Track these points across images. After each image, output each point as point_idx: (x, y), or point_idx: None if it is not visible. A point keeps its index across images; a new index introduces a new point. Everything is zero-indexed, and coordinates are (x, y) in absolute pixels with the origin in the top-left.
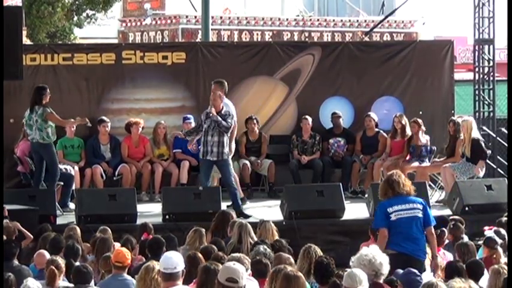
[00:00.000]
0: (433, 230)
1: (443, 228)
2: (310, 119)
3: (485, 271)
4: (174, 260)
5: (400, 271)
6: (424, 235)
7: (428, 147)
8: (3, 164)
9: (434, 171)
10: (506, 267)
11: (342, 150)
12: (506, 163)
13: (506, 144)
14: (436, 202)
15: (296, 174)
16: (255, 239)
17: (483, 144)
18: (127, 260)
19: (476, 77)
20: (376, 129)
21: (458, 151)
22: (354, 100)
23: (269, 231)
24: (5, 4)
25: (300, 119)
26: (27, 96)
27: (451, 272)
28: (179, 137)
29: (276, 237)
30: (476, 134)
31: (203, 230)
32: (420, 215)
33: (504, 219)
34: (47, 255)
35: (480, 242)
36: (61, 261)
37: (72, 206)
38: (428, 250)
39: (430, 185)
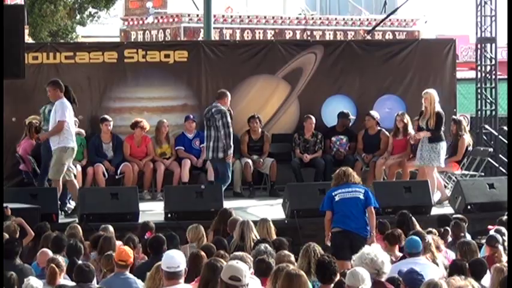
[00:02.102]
0: (373, 209)
1: (447, 227)
2: (313, 118)
3: (488, 270)
4: (176, 259)
5: (404, 270)
6: (365, 215)
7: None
8: (3, 162)
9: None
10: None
11: (344, 148)
12: (507, 161)
13: (508, 143)
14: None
15: (298, 172)
16: (257, 236)
17: (443, 120)
18: (130, 259)
19: (479, 76)
20: (378, 128)
21: (462, 151)
22: (355, 98)
23: (267, 230)
24: (7, 3)
25: (302, 117)
26: (29, 95)
27: (454, 270)
28: None
29: (274, 236)
30: (438, 107)
31: (201, 226)
32: (362, 196)
33: (505, 217)
34: (50, 254)
35: (483, 241)
36: (61, 259)
37: (70, 205)
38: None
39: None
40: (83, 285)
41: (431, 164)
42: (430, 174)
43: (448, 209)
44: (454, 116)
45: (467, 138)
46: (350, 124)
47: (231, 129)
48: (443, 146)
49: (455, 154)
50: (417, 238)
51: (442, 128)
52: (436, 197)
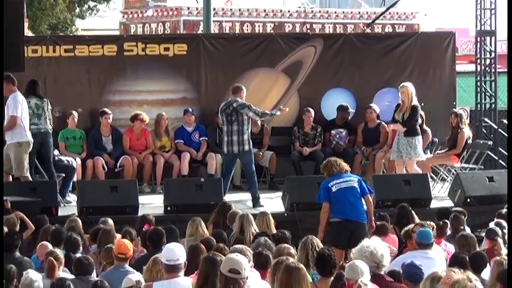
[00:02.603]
0: (370, 198)
1: (446, 220)
2: (312, 111)
3: (488, 263)
4: (176, 251)
5: (405, 262)
6: (362, 202)
7: (431, 139)
8: (3, 158)
9: (436, 162)
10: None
11: (343, 141)
12: (507, 154)
13: (507, 136)
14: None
15: (298, 166)
16: (257, 229)
17: (418, 113)
18: (129, 252)
19: (478, 69)
20: (378, 121)
21: (461, 143)
22: (355, 92)
23: (267, 223)
24: None
25: (301, 110)
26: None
27: (455, 263)
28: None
29: (274, 229)
30: (415, 101)
31: (199, 218)
32: (356, 185)
33: (504, 210)
34: (50, 247)
35: (483, 234)
36: (60, 252)
37: (69, 197)
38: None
39: (431, 177)
40: (82, 278)
41: (409, 158)
42: (411, 167)
43: (447, 202)
44: (454, 109)
45: (467, 132)
46: (349, 117)
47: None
48: (419, 139)
49: (455, 147)
50: (429, 229)
51: (419, 121)
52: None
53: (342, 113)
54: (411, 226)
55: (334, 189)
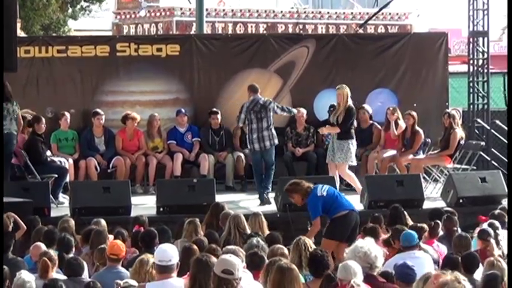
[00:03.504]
0: None
1: (437, 221)
2: (304, 112)
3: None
4: (169, 252)
5: (397, 263)
6: None
7: (423, 140)
8: (3, 159)
9: (428, 163)
10: (501, 260)
11: None
12: (500, 155)
13: (500, 137)
14: None
15: (290, 166)
16: (247, 230)
17: (353, 116)
18: (122, 253)
19: (471, 69)
20: (371, 122)
21: (454, 143)
22: None
23: (259, 224)
24: None
25: None
26: (20, 89)
27: (447, 264)
28: None
29: (266, 230)
30: (350, 103)
31: (197, 220)
32: None
33: (497, 211)
34: (43, 248)
35: (475, 235)
36: (54, 253)
37: (62, 198)
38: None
39: (424, 177)
40: (74, 279)
41: (340, 161)
42: (343, 171)
43: (440, 203)
44: (447, 110)
45: (460, 132)
46: None
47: None
48: (352, 142)
49: (448, 148)
50: (412, 232)
51: (355, 125)
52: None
53: (332, 111)
54: (388, 235)
55: (324, 193)
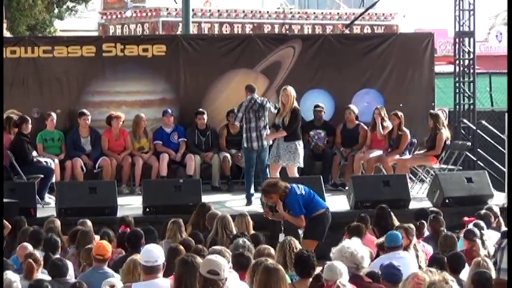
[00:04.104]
0: None
1: (423, 221)
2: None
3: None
4: (155, 253)
5: (383, 264)
6: None
7: (409, 140)
8: (3, 161)
9: (415, 163)
10: (487, 260)
11: (322, 142)
12: (486, 155)
13: (486, 137)
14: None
15: None
16: (234, 231)
17: (298, 117)
18: (108, 253)
19: (457, 70)
20: (357, 122)
21: (440, 144)
22: (334, 93)
23: (246, 225)
24: None
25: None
26: (7, 89)
27: (433, 264)
28: None
29: (252, 230)
30: (296, 104)
31: (181, 220)
32: None
33: (483, 211)
34: (30, 248)
35: (461, 235)
36: (39, 254)
37: (48, 199)
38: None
39: (410, 178)
40: (59, 280)
41: (288, 164)
42: (292, 173)
43: (426, 203)
44: (431, 111)
45: (445, 133)
46: (323, 114)
47: None
48: (299, 143)
49: (434, 148)
50: (397, 232)
51: (300, 125)
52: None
53: (317, 113)
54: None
55: (303, 192)
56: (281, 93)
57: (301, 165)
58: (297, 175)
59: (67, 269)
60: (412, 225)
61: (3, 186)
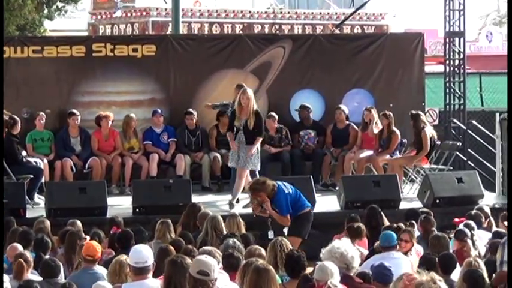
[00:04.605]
0: None
1: (413, 221)
2: (275, 116)
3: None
4: (144, 253)
5: (374, 264)
6: None
7: (400, 140)
8: (3, 161)
9: (405, 163)
10: (478, 260)
11: (312, 142)
12: (476, 155)
13: (477, 137)
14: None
15: (264, 167)
16: (224, 231)
17: (263, 119)
18: (97, 253)
19: (447, 70)
20: (347, 122)
21: (426, 143)
22: (324, 93)
23: (237, 225)
24: None
25: (270, 111)
26: None
27: (424, 264)
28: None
29: (243, 231)
30: (256, 106)
31: (169, 220)
32: None
33: (474, 211)
34: (20, 249)
35: (451, 235)
36: (29, 254)
37: (37, 199)
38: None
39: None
40: (49, 281)
41: (243, 166)
42: (242, 176)
43: (417, 203)
44: (412, 111)
45: (429, 130)
46: (309, 114)
47: None
48: (257, 147)
49: (422, 149)
50: (391, 232)
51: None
52: None
53: (301, 112)
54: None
55: (290, 191)
56: (239, 96)
57: (257, 168)
58: (249, 178)
59: (59, 270)
60: (411, 228)
61: None
